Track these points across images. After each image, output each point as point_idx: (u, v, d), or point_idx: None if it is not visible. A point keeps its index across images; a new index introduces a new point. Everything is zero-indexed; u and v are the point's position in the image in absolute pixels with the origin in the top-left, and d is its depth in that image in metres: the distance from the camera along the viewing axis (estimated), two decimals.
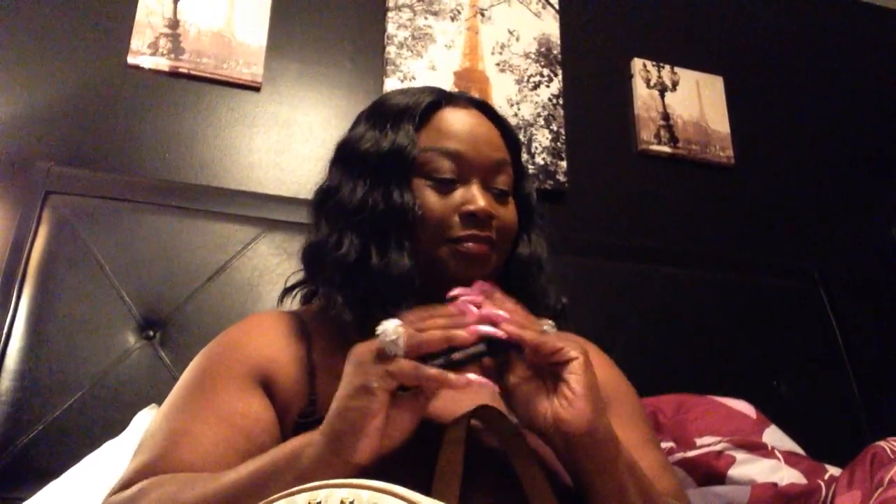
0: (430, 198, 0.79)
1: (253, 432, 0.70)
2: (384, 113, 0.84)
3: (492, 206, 0.79)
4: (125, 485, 0.67)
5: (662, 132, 1.92)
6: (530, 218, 0.88)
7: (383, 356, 0.57)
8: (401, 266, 0.76)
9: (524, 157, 1.72)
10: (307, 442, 0.59)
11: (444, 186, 0.79)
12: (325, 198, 0.83)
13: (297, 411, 0.74)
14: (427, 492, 0.52)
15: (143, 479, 0.65)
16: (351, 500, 0.43)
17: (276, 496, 0.45)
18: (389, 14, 1.76)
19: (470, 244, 0.77)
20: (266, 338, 0.79)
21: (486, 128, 0.84)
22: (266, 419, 0.73)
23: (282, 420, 0.74)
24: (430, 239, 0.78)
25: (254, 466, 0.60)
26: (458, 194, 0.79)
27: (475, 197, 0.78)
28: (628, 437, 0.77)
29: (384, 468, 0.56)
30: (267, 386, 0.75)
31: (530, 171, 1.73)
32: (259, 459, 0.60)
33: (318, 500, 0.43)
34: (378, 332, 0.58)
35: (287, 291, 0.91)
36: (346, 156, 0.85)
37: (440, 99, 0.84)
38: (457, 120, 0.83)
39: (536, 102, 1.81)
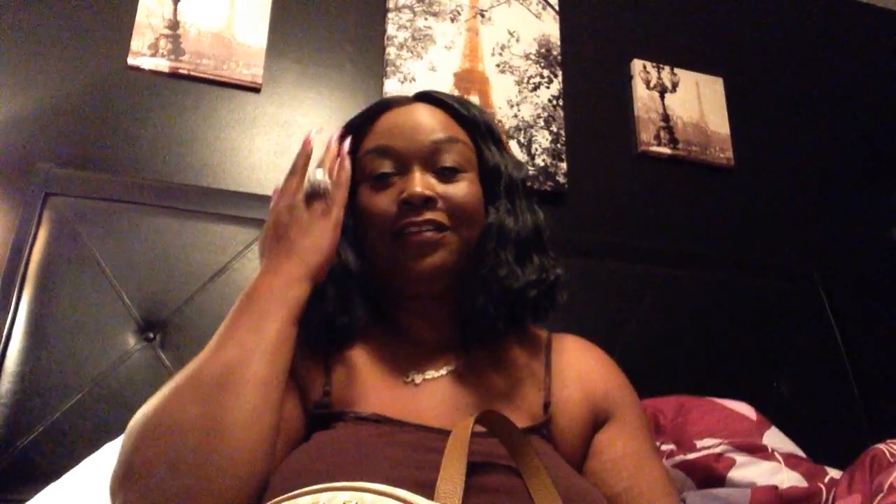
0: (370, 198, 0.80)
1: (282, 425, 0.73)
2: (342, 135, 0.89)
3: (431, 187, 0.78)
4: None
5: (662, 133, 1.92)
6: (496, 188, 0.84)
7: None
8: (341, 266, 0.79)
9: (524, 157, 1.74)
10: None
11: (383, 182, 0.79)
12: None
13: (312, 402, 0.76)
14: (430, 497, 0.52)
15: None
16: (353, 502, 0.43)
17: (279, 498, 0.45)
18: (389, 15, 1.76)
19: (411, 234, 0.76)
20: None
21: (424, 115, 0.82)
22: (290, 409, 0.74)
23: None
24: (378, 237, 0.79)
25: (229, 319, 0.68)
26: (397, 186, 0.79)
27: (409, 183, 0.77)
28: (634, 449, 0.77)
29: (388, 474, 0.56)
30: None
31: (531, 173, 1.73)
32: (231, 314, 0.68)
33: (320, 503, 0.43)
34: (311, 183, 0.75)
35: None
36: None
37: (382, 106, 0.85)
38: (392, 118, 0.83)
39: (536, 103, 1.81)
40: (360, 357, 0.80)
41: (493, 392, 0.78)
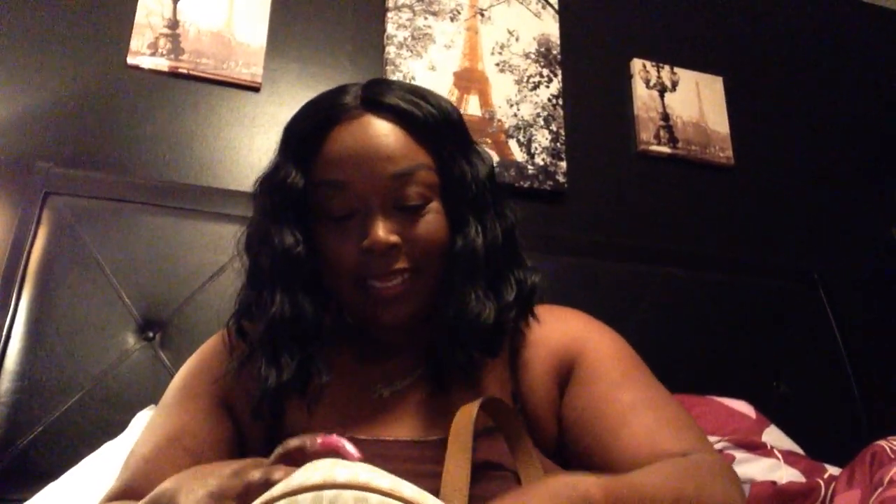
0: (330, 242, 0.72)
1: (198, 451, 0.71)
2: (286, 139, 0.78)
3: (394, 232, 0.71)
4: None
5: (662, 132, 1.92)
6: (462, 203, 0.75)
7: None
8: (272, 314, 0.72)
9: (524, 156, 1.74)
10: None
11: (341, 223, 0.72)
12: (245, 245, 0.80)
13: (263, 429, 0.75)
14: (435, 495, 0.52)
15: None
16: None
17: (279, 493, 0.44)
18: (389, 14, 1.76)
19: (379, 286, 0.71)
20: (227, 359, 0.79)
21: (379, 137, 0.72)
22: (215, 437, 0.74)
23: (250, 434, 0.76)
24: (341, 284, 0.73)
25: None
26: (357, 228, 0.71)
27: (370, 229, 0.70)
28: (594, 394, 0.72)
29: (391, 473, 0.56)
30: (230, 406, 0.77)
31: (530, 172, 1.73)
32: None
33: (323, 501, 0.42)
34: None
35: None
36: (258, 191, 0.80)
37: (330, 118, 0.75)
38: (344, 141, 0.73)
39: (536, 103, 1.81)
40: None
41: (463, 393, 0.73)
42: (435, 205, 0.74)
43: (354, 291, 0.73)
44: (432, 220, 0.73)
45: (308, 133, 0.75)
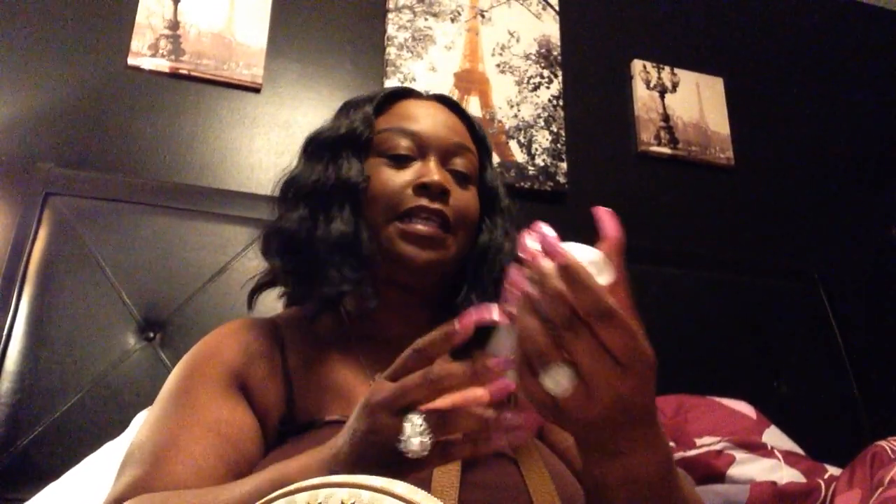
0: (384, 173, 0.79)
1: (239, 440, 0.69)
2: (348, 105, 0.87)
3: (448, 182, 0.79)
4: (117, 501, 0.64)
5: (662, 133, 1.92)
6: (493, 208, 0.86)
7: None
8: (338, 231, 0.76)
9: (524, 157, 1.74)
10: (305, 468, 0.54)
11: (400, 162, 0.80)
12: (285, 185, 0.85)
13: (276, 417, 0.73)
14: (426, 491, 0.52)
15: (135, 495, 0.62)
16: (352, 501, 0.43)
17: (274, 494, 0.45)
18: (390, 15, 1.76)
19: (419, 224, 0.76)
20: (241, 344, 0.77)
21: (447, 116, 0.84)
22: (250, 426, 0.72)
23: (262, 426, 0.73)
24: (381, 216, 0.78)
25: (248, 488, 0.55)
26: (414, 169, 0.79)
27: (430, 170, 0.78)
28: None
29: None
30: (245, 392, 0.75)
31: (530, 173, 1.73)
32: (252, 480, 0.56)
33: (318, 501, 0.43)
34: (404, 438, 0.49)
35: (256, 291, 0.89)
36: (308, 145, 0.87)
37: (403, 92, 0.87)
38: (417, 107, 0.84)
39: (536, 104, 1.81)
40: (323, 364, 0.77)
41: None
42: (474, 189, 0.83)
43: (395, 226, 0.77)
44: (471, 196, 0.82)
45: (381, 99, 0.85)
